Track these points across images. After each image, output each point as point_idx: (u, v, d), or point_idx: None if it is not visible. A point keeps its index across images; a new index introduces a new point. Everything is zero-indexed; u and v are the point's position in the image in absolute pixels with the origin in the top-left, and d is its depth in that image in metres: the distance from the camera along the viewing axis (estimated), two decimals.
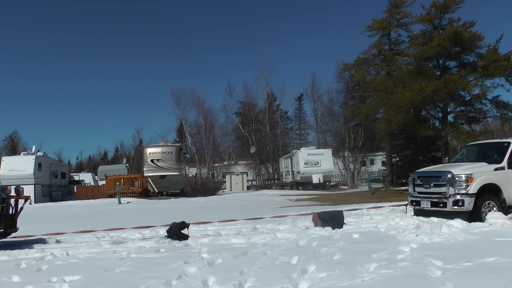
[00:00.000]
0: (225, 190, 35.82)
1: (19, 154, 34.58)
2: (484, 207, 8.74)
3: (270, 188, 35.36)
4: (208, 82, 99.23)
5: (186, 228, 8.25)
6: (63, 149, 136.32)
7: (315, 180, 34.76)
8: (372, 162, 48.93)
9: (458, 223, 7.68)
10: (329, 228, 8.22)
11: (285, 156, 42.09)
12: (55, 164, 31.73)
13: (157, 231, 9.31)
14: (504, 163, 9.14)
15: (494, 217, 8.06)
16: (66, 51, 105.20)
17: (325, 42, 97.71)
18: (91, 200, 26.00)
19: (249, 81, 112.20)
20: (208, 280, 4.66)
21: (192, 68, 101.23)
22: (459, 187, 8.74)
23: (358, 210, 12.03)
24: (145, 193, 28.10)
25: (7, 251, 7.09)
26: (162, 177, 27.61)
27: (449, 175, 8.91)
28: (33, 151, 29.42)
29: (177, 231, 8.08)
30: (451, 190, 8.82)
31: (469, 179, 8.72)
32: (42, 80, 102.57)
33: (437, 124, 23.72)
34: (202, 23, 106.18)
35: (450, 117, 22.73)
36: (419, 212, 9.61)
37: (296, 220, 10.03)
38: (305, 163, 35.17)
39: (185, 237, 8.02)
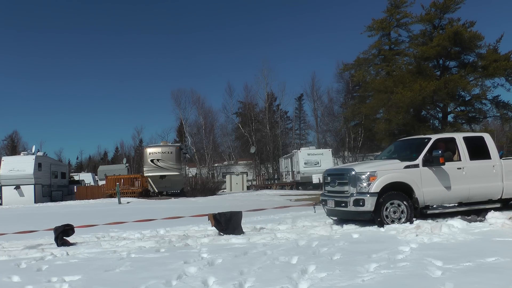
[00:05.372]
0: (225, 190, 35.80)
1: (19, 154, 34.54)
2: (385, 208, 8.09)
3: (270, 188, 35.34)
4: (208, 82, 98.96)
5: (67, 233, 7.62)
6: (63, 149, 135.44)
7: (315, 180, 34.66)
8: None
9: (458, 223, 7.65)
10: (328, 228, 8.20)
11: (285, 156, 42.05)
12: (55, 164, 31.71)
13: (157, 231, 9.31)
14: (419, 160, 8.49)
15: (494, 217, 8.03)
16: (66, 51, 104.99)
17: (325, 42, 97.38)
18: (91, 200, 25.97)
19: (249, 81, 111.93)
20: (208, 280, 4.66)
21: (192, 68, 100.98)
22: (360, 186, 8.15)
23: None
24: (145, 193, 28.07)
25: (7, 251, 7.11)
26: (162, 177, 27.60)
27: (352, 173, 8.30)
28: (33, 151, 29.40)
29: (58, 235, 7.58)
30: (352, 189, 8.26)
31: (371, 177, 8.11)
32: (42, 80, 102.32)
33: (437, 124, 23.72)
34: (202, 23, 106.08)
35: (450, 117, 22.78)
36: (328, 212, 9.23)
37: (296, 220, 10.04)
38: (305, 163, 35.13)
39: (66, 243, 7.52)
